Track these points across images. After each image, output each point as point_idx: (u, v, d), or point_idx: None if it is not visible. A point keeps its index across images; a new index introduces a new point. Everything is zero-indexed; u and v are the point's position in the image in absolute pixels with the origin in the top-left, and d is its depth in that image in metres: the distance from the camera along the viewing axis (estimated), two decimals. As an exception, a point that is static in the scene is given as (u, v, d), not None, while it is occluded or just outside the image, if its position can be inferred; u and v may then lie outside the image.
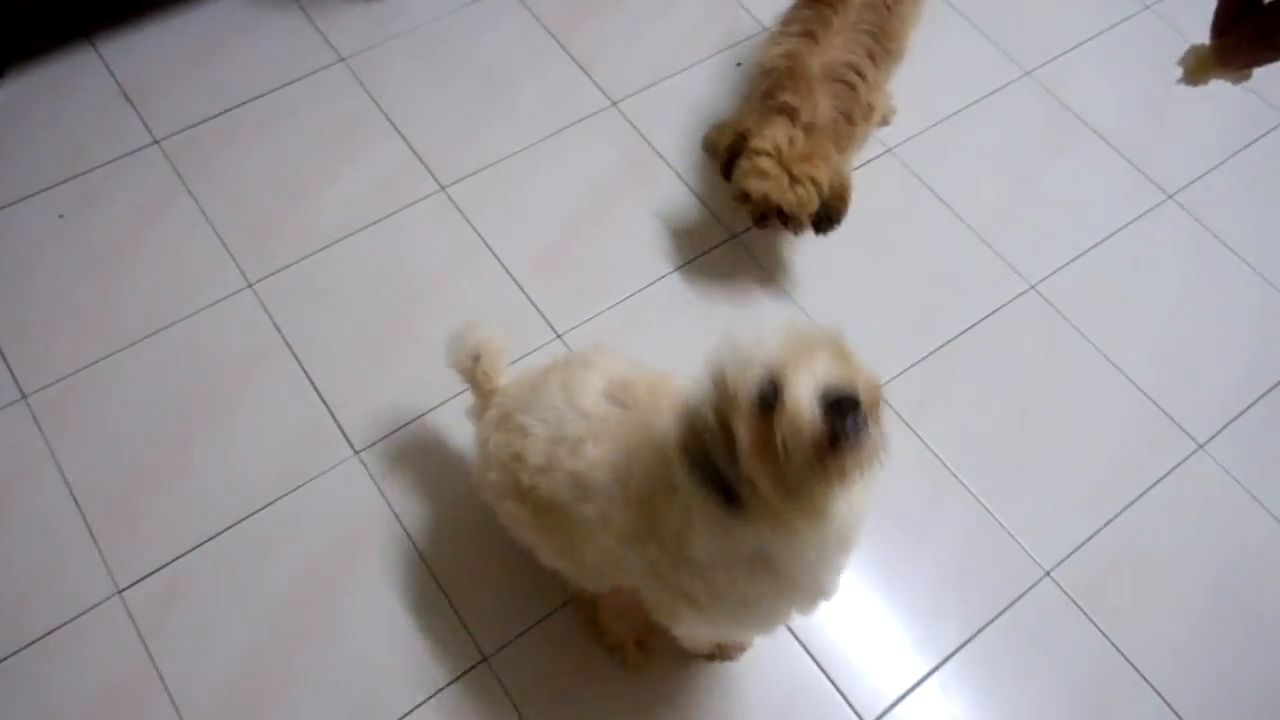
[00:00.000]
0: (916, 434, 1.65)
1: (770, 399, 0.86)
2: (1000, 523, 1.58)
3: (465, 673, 1.41)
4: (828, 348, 0.90)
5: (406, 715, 1.38)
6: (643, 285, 1.79)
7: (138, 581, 1.45)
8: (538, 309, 1.74)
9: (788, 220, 1.65)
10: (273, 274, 1.74)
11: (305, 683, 1.40)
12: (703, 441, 0.93)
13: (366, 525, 1.52)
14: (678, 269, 1.81)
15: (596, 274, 1.79)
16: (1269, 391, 1.75)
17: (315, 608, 1.46)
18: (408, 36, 2.07)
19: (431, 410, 1.62)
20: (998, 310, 1.81)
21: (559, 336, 1.71)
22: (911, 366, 1.73)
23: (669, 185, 1.91)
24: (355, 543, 1.51)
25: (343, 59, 2.03)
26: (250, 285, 1.73)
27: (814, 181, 1.60)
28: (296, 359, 1.66)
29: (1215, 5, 0.65)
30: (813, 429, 0.85)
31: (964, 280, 1.85)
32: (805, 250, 1.85)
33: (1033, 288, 1.84)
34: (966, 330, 1.78)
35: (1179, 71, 0.72)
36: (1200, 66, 0.68)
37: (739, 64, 2.08)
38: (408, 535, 1.51)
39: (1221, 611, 1.53)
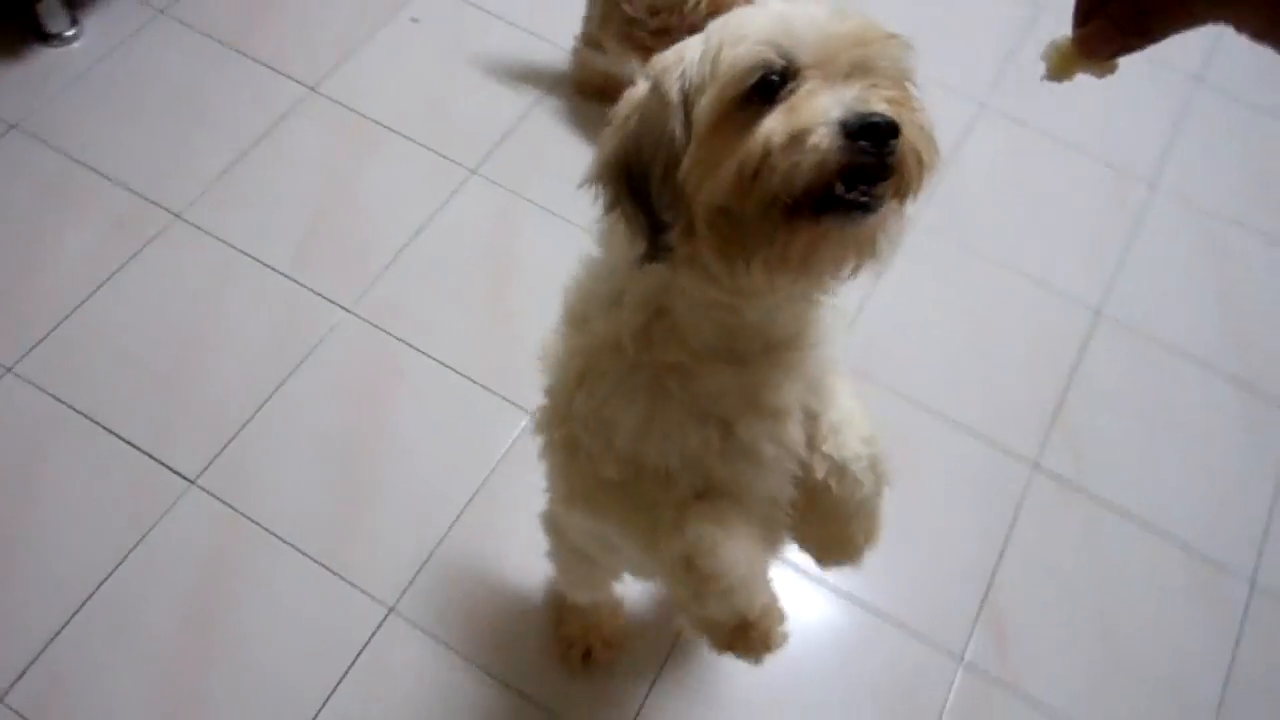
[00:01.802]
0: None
1: (774, 85, 0.64)
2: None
3: (378, 628, 1.48)
4: (879, 54, 0.66)
5: (336, 687, 1.43)
6: (411, 236, 1.86)
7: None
8: (317, 293, 1.78)
9: None
10: (32, 349, 1.67)
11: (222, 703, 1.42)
12: (638, 144, 0.69)
13: (231, 545, 1.53)
14: (432, 220, 1.90)
15: (361, 241, 1.85)
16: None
17: (208, 635, 1.46)
18: (81, 83, 2.00)
19: (247, 423, 1.63)
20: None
21: (348, 310, 1.76)
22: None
23: (395, 143, 1.98)
24: (223, 564, 1.52)
25: (13, 126, 1.93)
26: (10, 369, 1.65)
27: None
28: (90, 419, 1.62)
29: None
30: (817, 153, 0.61)
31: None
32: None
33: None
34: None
35: (1042, 68, 0.65)
36: (1064, 61, 0.61)
37: (414, 19, 2.16)
38: (275, 536, 1.54)
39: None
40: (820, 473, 0.83)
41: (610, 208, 0.72)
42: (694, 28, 1.75)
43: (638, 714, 1.46)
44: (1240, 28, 0.49)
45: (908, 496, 1.36)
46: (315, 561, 1.52)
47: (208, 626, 1.47)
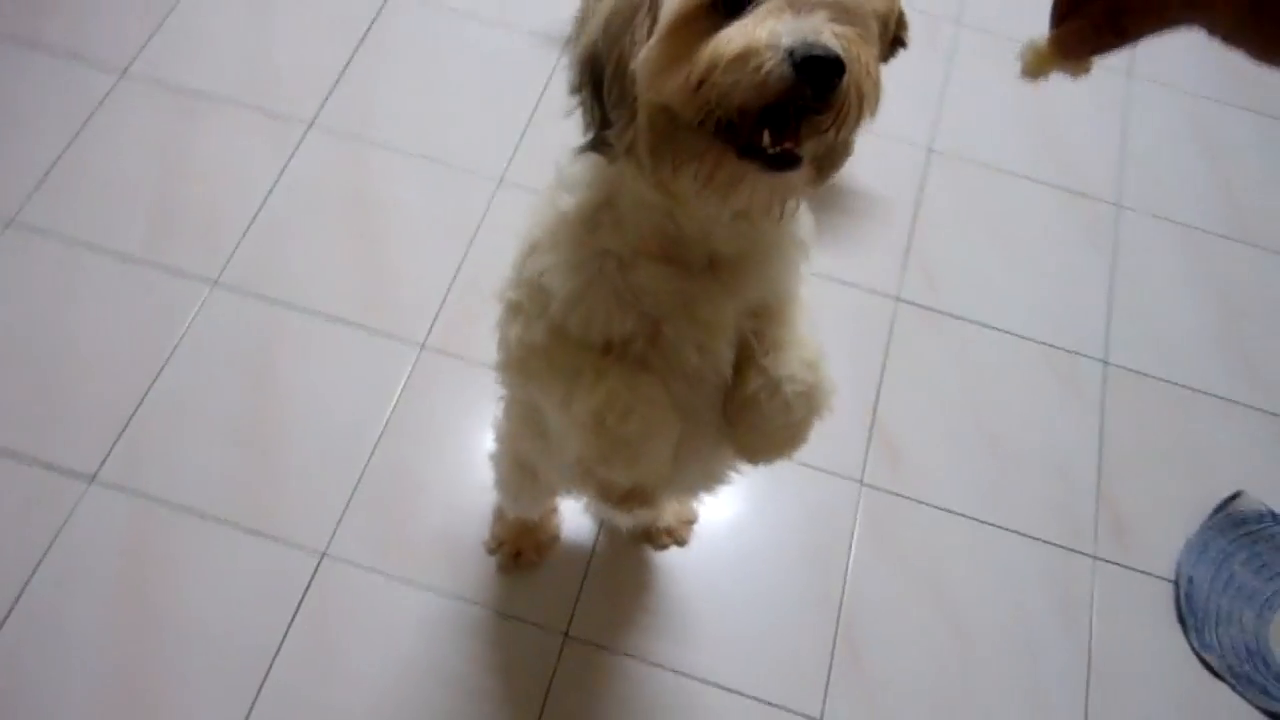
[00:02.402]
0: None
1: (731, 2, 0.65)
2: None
3: (314, 575, 1.51)
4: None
5: (282, 643, 1.46)
6: (262, 198, 1.84)
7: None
8: (178, 272, 1.75)
9: None
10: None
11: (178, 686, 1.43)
12: (605, 35, 0.70)
13: (147, 532, 1.53)
14: (280, 179, 1.88)
15: (211, 212, 1.82)
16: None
17: (144, 625, 1.46)
18: None
19: (136, 411, 1.61)
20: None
21: (215, 282, 1.74)
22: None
23: (224, 110, 1.94)
24: (144, 553, 1.51)
25: None
26: None
27: None
28: (-29, 440, 1.57)
29: None
30: (759, 75, 0.62)
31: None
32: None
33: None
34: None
35: (1017, 67, 0.64)
36: (1039, 60, 0.61)
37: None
38: (190, 513, 1.54)
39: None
40: (753, 386, 0.84)
41: (573, 91, 0.73)
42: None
43: (575, 603, 1.54)
44: (1212, 31, 0.49)
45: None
46: (238, 527, 1.53)
47: (141, 617, 1.47)
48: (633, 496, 0.97)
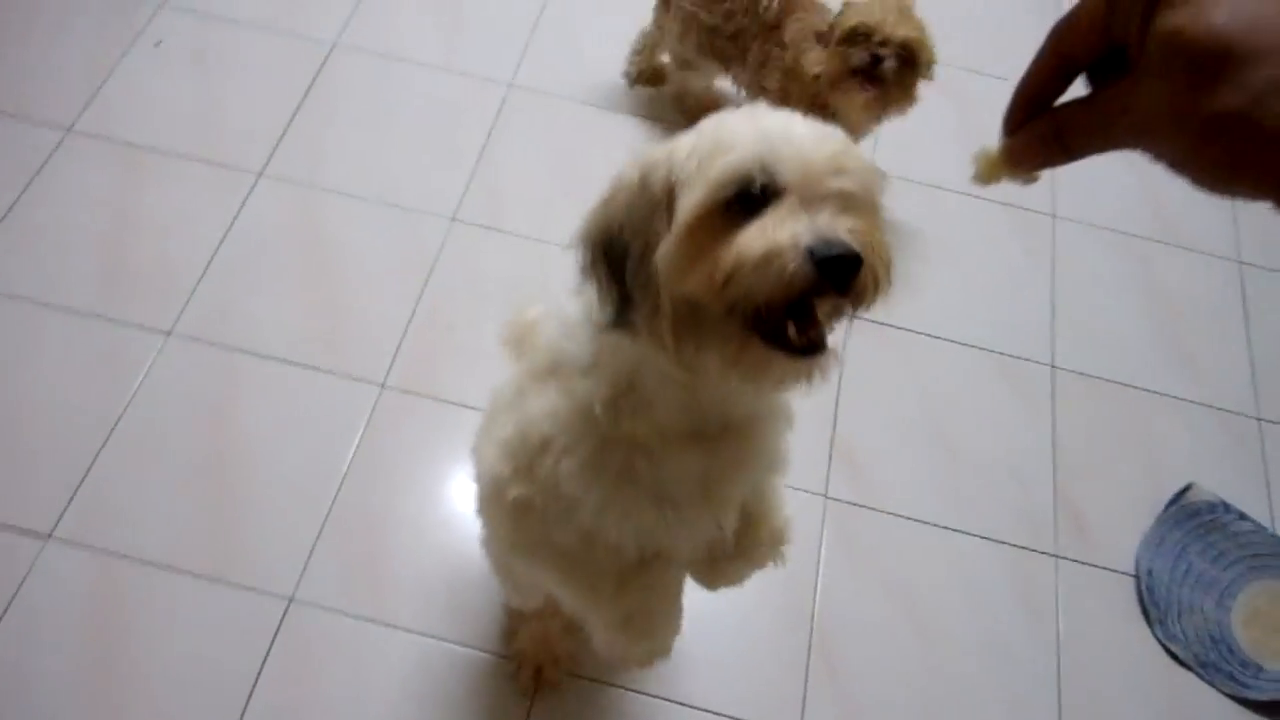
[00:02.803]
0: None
1: (754, 199, 0.68)
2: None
3: (282, 620, 1.49)
4: (856, 183, 0.70)
5: (253, 690, 1.43)
6: (214, 248, 1.84)
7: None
8: (131, 324, 1.73)
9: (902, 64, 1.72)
10: None
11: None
12: (620, 224, 0.74)
13: (108, 587, 1.49)
14: (232, 228, 1.88)
15: (163, 264, 1.81)
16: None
17: (110, 684, 1.43)
18: None
19: (91, 466, 1.59)
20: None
21: (168, 333, 1.73)
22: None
23: (172, 164, 1.94)
24: (106, 608, 1.48)
25: None
26: None
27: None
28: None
29: (1008, 104, 0.59)
30: (784, 275, 0.66)
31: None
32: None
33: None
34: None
35: (971, 169, 0.66)
36: (990, 168, 0.63)
37: (158, 43, 2.11)
38: (151, 565, 1.51)
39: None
40: (742, 544, 0.99)
41: (585, 271, 0.77)
42: (768, 27, 1.82)
43: (554, 626, 1.53)
44: (1158, 158, 0.49)
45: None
46: (202, 577, 1.51)
47: (107, 672, 1.43)
48: (650, 658, 1.09)
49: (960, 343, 1.92)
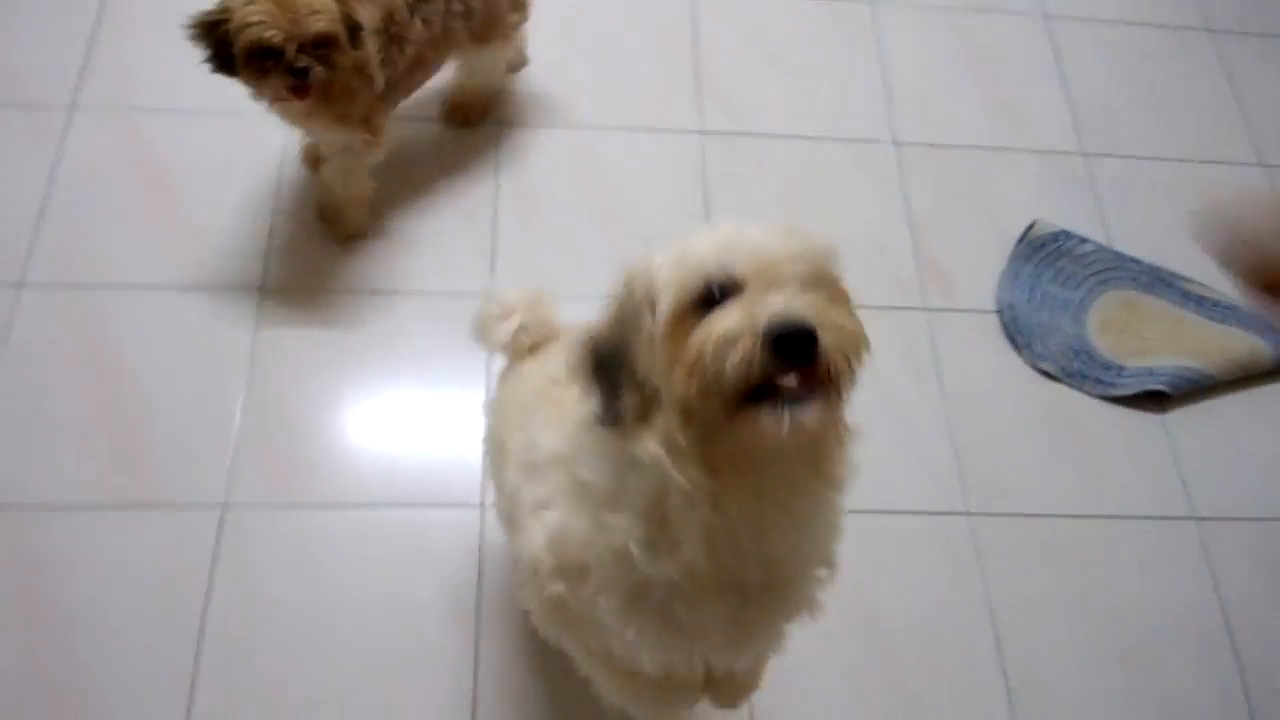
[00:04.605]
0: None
1: (715, 297, 0.73)
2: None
3: (220, 529, 1.50)
4: (808, 266, 0.75)
5: (206, 608, 1.46)
6: (45, 184, 1.76)
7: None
8: None
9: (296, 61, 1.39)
10: None
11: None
12: (612, 334, 0.80)
13: (27, 543, 1.48)
14: (59, 165, 1.79)
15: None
16: None
17: (50, 639, 1.43)
18: None
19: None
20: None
21: (20, 285, 1.66)
22: None
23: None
24: (29, 566, 1.47)
25: None
26: None
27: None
28: None
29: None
30: (741, 358, 0.69)
31: None
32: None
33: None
34: None
35: None
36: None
37: None
38: (71, 510, 1.50)
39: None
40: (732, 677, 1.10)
41: (580, 373, 0.82)
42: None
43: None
44: None
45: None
46: (129, 509, 1.50)
47: (52, 625, 1.42)
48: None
49: (808, 137, 2.00)
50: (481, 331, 1.26)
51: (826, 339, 0.71)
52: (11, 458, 1.53)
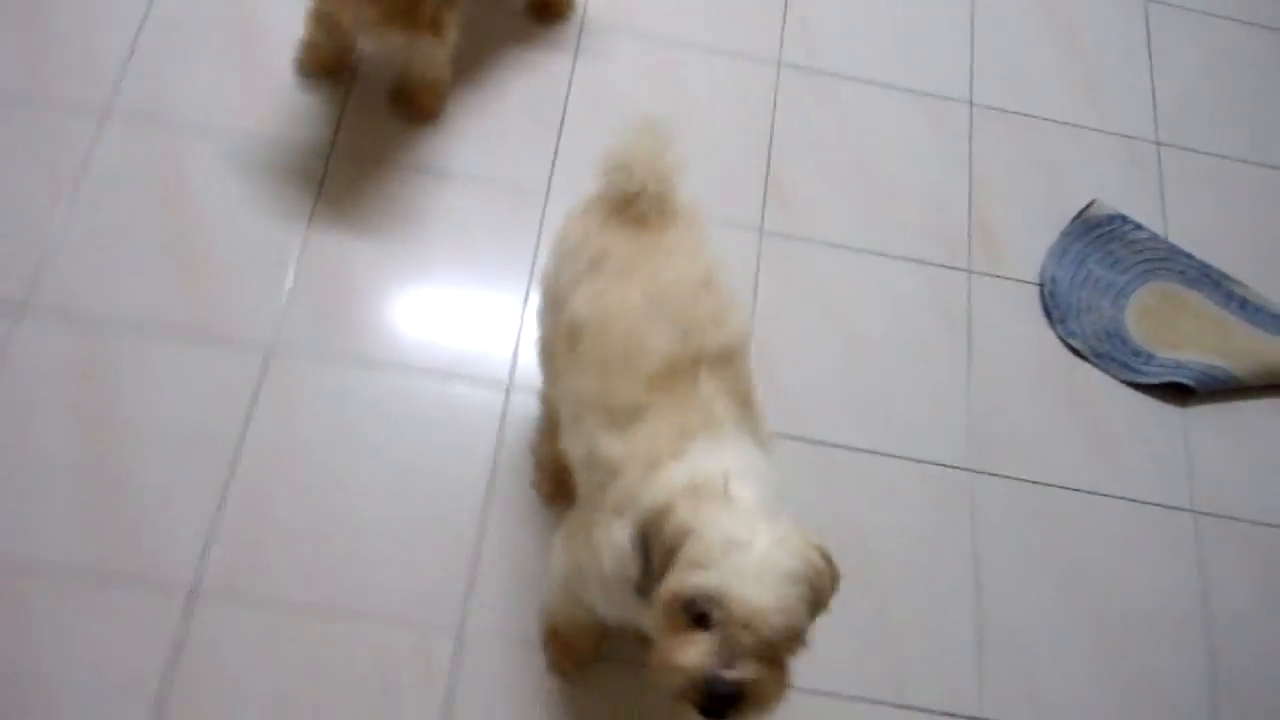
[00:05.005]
0: None
1: (704, 615, 0.92)
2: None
3: (264, 369, 1.60)
4: (782, 624, 0.91)
5: (244, 437, 1.56)
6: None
7: None
8: (63, 106, 1.75)
9: None
10: None
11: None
12: (649, 536, 1.00)
13: (90, 359, 1.58)
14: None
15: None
16: None
17: (106, 442, 1.54)
18: None
19: (46, 258, 1.64)
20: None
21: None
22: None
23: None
24: (90, 379, 1.58)
25: None
26: None
27: None
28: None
29: None
30: (682, 687, 0.93)
31: None
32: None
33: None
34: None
35: None
36: None
37: None
38: (126, 325, 1.60)
39: None
40: None
41: (636, 547, 1.02)
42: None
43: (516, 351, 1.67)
44: None
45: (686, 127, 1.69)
46: (180, 338, 1.60)
47: (99, 440, 1.51)
48: None
49: (883, 84, 2.01)
50: (633, 155, 1.21)
51: (751, 702, 0.92)
52: (87, 275, 1.63)
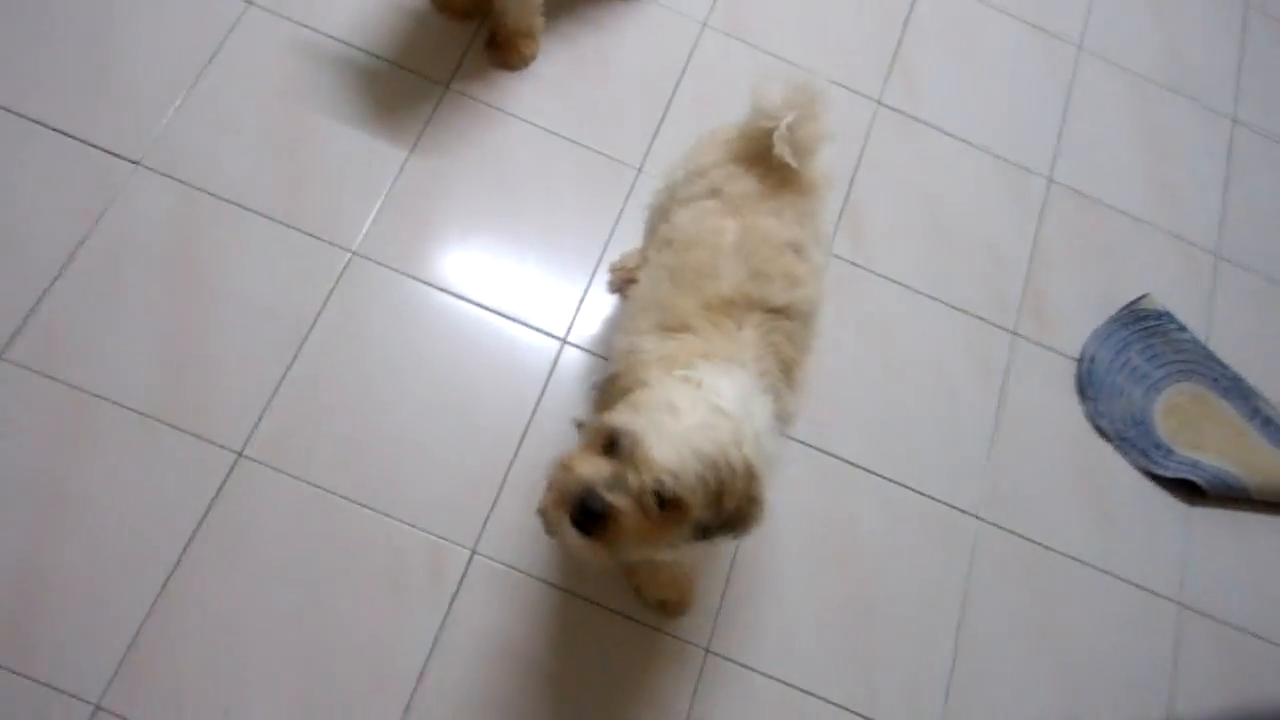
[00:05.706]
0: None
1: (614, 442, 1.06)
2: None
3: (344, 269, 1.70)
4: (674, 485, 1.03)
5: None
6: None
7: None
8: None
9: None
10: None
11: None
12: (616, 377, 1.18)
13: (190, 220, 1.68)
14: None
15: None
16: None
17: (190, 298, 1.64)
18: None
19: (166, 121, 1.75)
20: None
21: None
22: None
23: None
24: (188, 237, 1.68)
25: None
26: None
27: None
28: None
29: None
30: (567, 491, 1.07)
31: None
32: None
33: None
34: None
35: None
36: None
37: None
38: (228, 201, 1.70)
39: None
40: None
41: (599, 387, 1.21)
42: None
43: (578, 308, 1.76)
44: None
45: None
46: (275, 221, 1.70)
47: (185, 302, 1.62)
48: None
49: (974, 145, 2.09)
50: (781, 111, 1.30)
51: (613, 531, 1.04)
52: (200, 145, 1.73)
